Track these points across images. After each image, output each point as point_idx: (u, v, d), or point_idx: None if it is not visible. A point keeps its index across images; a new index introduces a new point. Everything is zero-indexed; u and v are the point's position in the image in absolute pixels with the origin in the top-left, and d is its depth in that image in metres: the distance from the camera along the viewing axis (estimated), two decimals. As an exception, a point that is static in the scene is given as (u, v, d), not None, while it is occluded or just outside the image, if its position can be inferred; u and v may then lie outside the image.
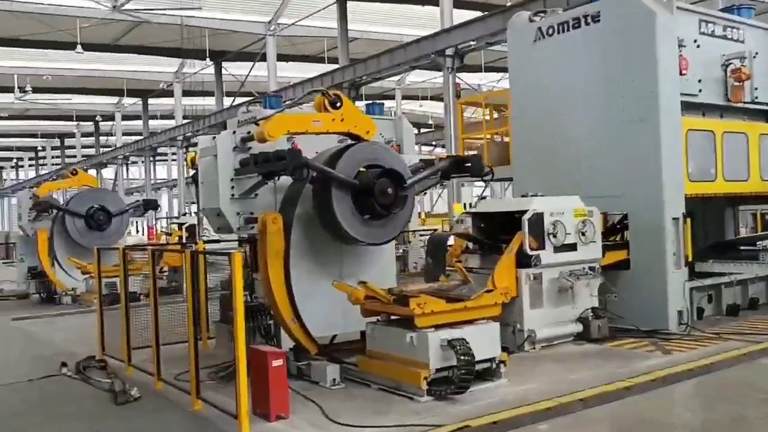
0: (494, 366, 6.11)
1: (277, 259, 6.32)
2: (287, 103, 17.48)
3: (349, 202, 6.55)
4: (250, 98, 26.40)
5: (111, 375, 7.00)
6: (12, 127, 43.99)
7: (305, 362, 6.53)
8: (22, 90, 30.05)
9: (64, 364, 7.56)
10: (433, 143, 39.69)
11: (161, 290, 8.22)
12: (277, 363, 5.28)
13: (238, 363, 5.02)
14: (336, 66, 22.08)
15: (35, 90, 30.90)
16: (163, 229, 20.57)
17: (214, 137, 7.08)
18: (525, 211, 7.67)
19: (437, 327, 5.88)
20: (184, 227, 14.30)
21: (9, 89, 31.25)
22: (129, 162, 40.01)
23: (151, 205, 14.82)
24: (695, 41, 8.90)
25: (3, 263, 26.34)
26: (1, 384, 7.13)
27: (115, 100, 37.99)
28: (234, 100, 27.18)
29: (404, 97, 36.17)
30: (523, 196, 8.26)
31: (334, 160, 6.59)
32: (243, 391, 5.00)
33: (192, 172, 10.05)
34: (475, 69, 27.39)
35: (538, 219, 7.65)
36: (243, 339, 5.03)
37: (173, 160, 51.07)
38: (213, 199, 6.92)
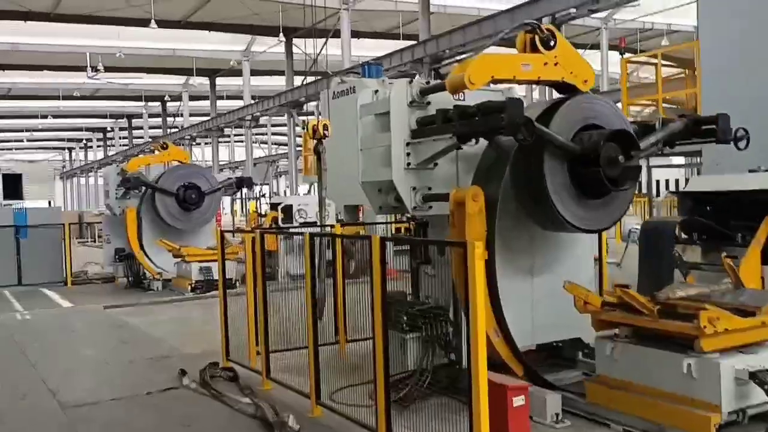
0: (791, 405, 4.35)
1: (478, 249, 4.69)
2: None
3: (564, 173, 4.92)
4: (319, 77, 25.07)
5: (247, 392, 5.59)
6: (82, 108, 44.13)
7: (510, 388, 4.90)
8: (95, 69, 29.55)
9: (183, 372, 6.21)
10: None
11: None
12: (518, 401, 3.70)
13: (475, 400, 3.44)
14: (414, 42, 20.41)
15: (106, 69, 30.38)
16: (257, 210, 19.36)
17: (377, 90, 5.50)
18: (771, 190, 5.81)
19: (721, 351, 4.16)
20: (279, 208, 12.92)
21: (81, 68, 30.85)
22: (194, 143, 39.38)
23: (246, 182, 13.50)
24: None
25: (78, 242, 25.91)
26: (118, 397, 5.80)
27: (182, 80, 37.31)
28: (304, 79, 25.77)
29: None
30: (751, 171, 6.38)
31: (545, 118, 4.94)
32: (486, 445, 3.43)
33: (314, 142, 8.53)
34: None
35: (793, 200, 5.77)
36: (485, 364, 3.44)
37: (236, 141, 50.48)
38: (377, 171, 5.35)
